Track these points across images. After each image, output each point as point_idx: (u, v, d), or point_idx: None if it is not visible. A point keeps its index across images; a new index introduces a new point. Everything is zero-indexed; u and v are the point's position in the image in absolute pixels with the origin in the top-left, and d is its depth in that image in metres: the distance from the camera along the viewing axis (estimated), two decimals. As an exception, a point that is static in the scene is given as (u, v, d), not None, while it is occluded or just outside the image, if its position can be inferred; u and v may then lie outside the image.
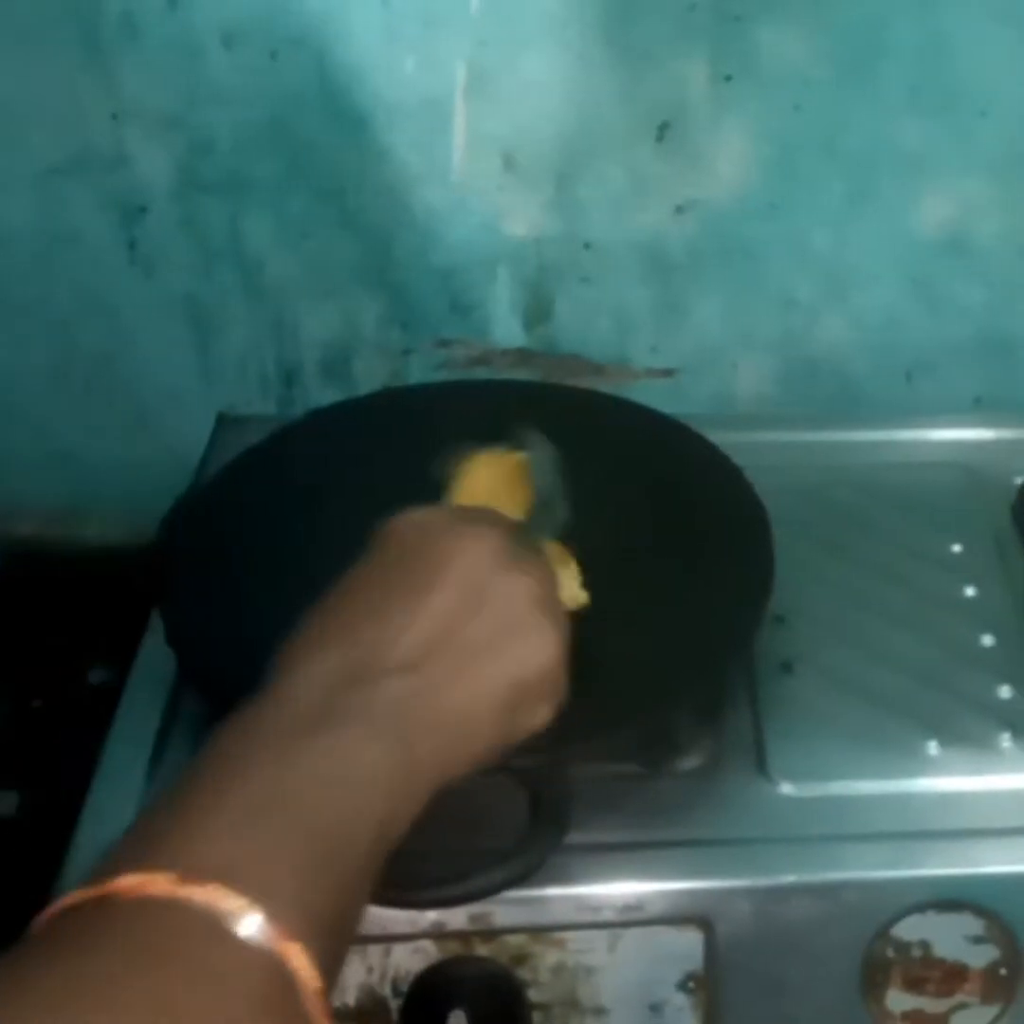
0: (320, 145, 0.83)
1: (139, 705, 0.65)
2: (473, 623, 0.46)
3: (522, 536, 0.51)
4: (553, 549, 0.65)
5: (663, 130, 0.82)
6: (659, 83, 0.81)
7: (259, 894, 0.35)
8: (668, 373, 0.92)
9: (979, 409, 0.89)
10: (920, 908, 0.55)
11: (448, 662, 0.45)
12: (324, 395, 0.91)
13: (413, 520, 0.50)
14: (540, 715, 0.47)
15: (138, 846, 0.37)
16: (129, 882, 0.35)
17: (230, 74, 0.80)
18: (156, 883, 0.35)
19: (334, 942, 0.37)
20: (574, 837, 0.53)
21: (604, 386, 0.91)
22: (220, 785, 0.39)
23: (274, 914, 0.35)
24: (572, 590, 0.64)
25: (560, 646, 0.48)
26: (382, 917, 0.51)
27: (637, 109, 0.82)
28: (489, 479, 0.65)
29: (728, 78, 0.80)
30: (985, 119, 0.81)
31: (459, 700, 0.45)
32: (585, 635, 0.61)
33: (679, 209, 0.85)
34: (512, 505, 0.63)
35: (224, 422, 0.85)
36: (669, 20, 0.78)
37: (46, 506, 0.96)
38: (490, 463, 0.66)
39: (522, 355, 0.91)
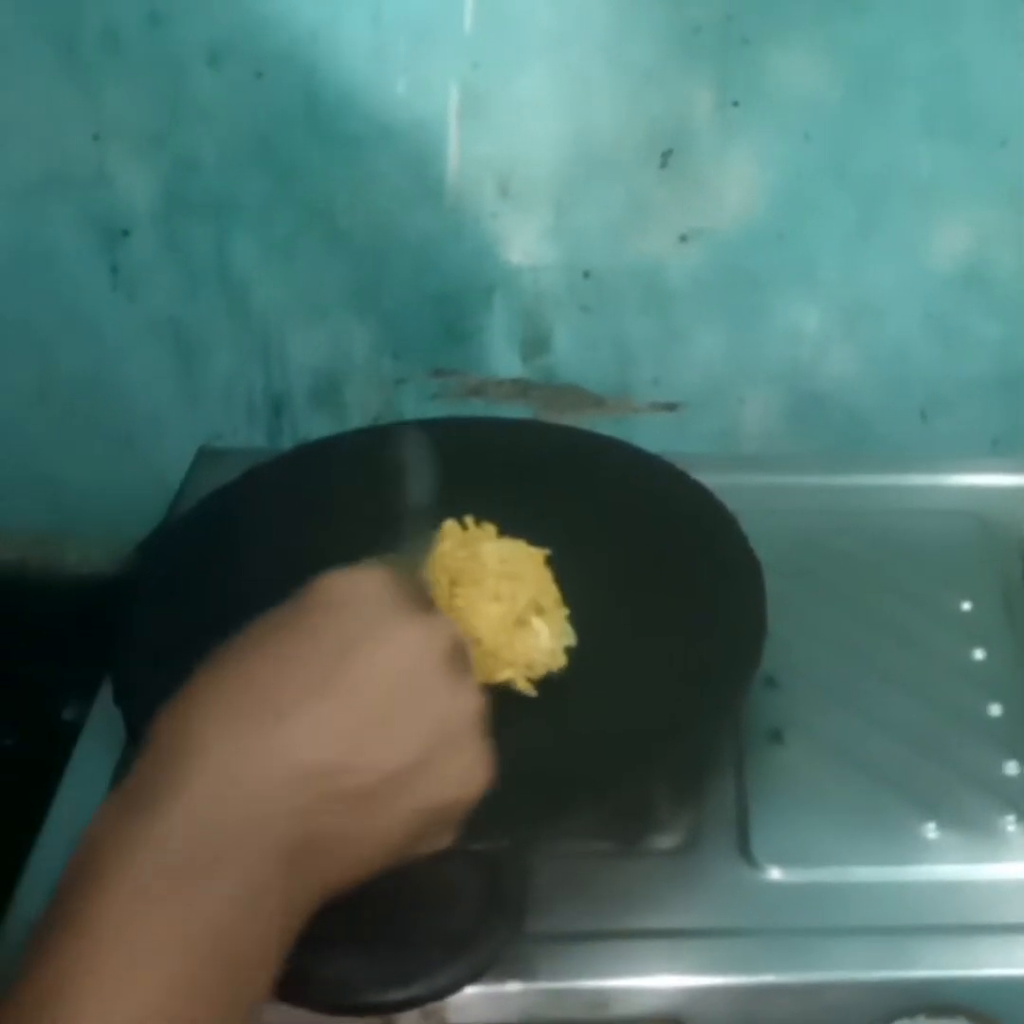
0: (309, 166, 0.80)
1: (93, 755, 0.62)
2: (401, 732, 0.41)
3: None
4: (548, 597, 0.62)
5: (666, 156, 0.79)
6: (662, 107, 0.77)
7: None
8: (671, 407, 0.88)
9: (994, 453, 0.85)
10: (910, 1012, 0.51)
11: (361, 774, 0.40)
12: (314, 424, 0.88)
13: (353, 587, 0.44)
14: (442, 841, 0.43)
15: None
16: None
17: (215, 92, 0.77)
18: None
19: None
20: (535, 925, 0.49)
21: (605, 419, 0.88)
22: (89, 941, 0.35)
23: None
24: (556, 649, 0.61)
25: (489, 773, 0.43)
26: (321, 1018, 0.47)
27: (639, 134, 0.78)
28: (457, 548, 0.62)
29: (735, 103, 0.77)
30: (1004, 147, 0.77)
31: (363, 822, 0.40)
32: (556, 697, 0.58)
33: (683, 237, 0.81)
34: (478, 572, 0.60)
35: (204, 455, 0.81)
36: (673, 42, 0.75)
37: (27, 531, 0.94)
38: (456, 533, 0.64)
39: (519, 386, 0.88)
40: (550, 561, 0.64)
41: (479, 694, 0.44)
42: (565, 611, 0.62)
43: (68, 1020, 0.34)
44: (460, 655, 0.44)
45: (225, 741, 0.39)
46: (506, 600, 0.59)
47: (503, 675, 0.58)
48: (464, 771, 0.42)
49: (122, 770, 0.60)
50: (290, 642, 0.42)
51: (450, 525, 0.65)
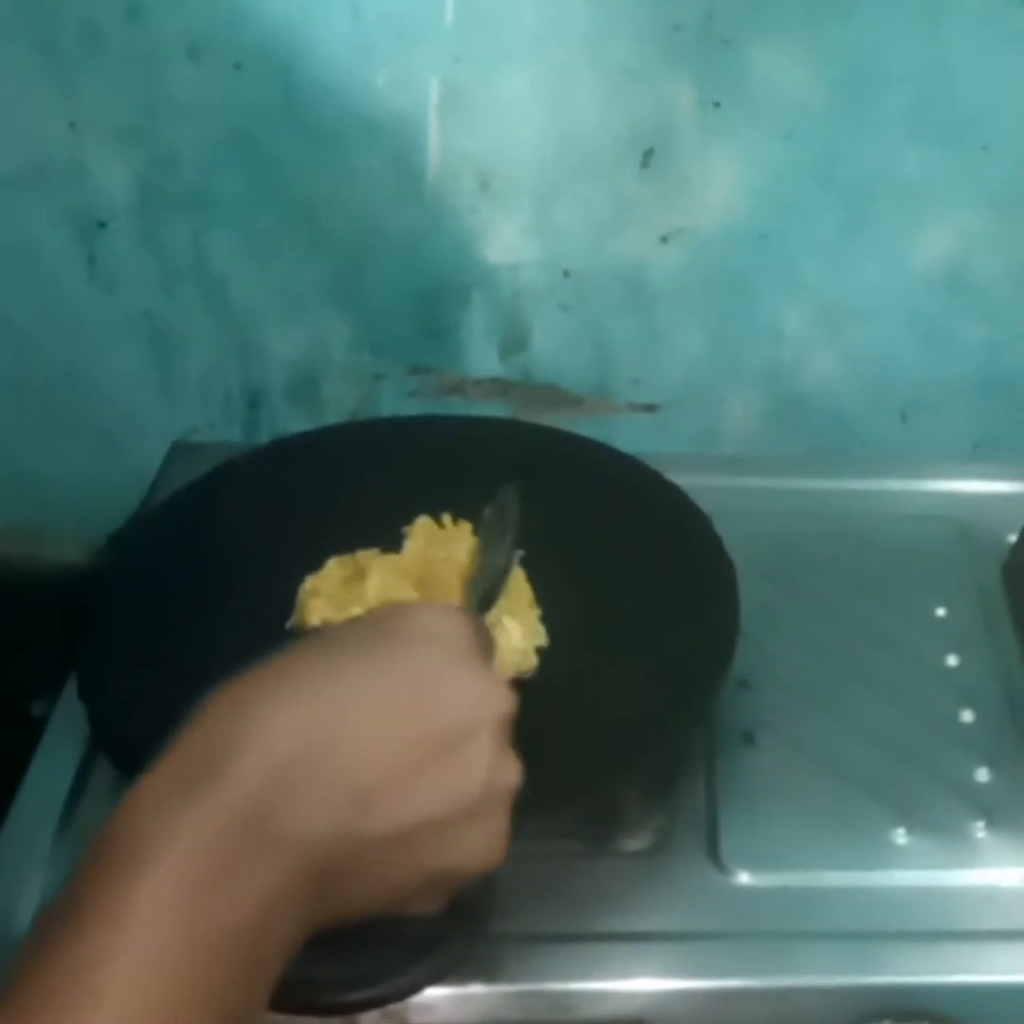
0: (287, 161, 0.79)
1: (58, 750, 0.61)
2: (444, 784, 0.40)
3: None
4: (521, 598, 0.62)
5: (648, 156, 0.78)
6: (644, 106, 0.77)
7: None
8: (651, 407, 0.88)
9: (975, 458, 0.85)
10: (877, 1017, 0.51)
11: (399, 814, 0.39)
12: (291, 419, 0.88)
13: (433, 625, 0.43)
14: (430, 906, 0.43)
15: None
16: None
17: (194, 86, 0.77)
18: None
19: None
20: (500, 925, 0.48)
21: (584, 419, 0.87)
22: (114, 937, 0.34)
23: None
24: (527, 650, 0.60)
25: (504, 852, 0.43)
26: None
27: (620, 133, 0.77)
28: (430, 546, 0.62)
29: (717, 104, 0.76)
30: (988, 151, 0.77)
31: (384, 863, 0.40)
32: (527, 697, 0.58)
33: (664, 237, 0.81)
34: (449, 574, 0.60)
35: (179, 449, 0.81)
36: (654, 41, 0.74)
37: (2, 525, 0.93)
38: (431, 530, 0.63)
39: (497, 385, 0.87)
40: (523, 561, 0.64)
41: (519, 770, 0.43)
42: (537, 612, 0.62)
43: (82, 1013, 0.33)
44: (509, 725, 0.43)
45: (281, 741, 0.38)
46: None
47: None
48: (484, 842, 0.42)
49: (86, 767, 0.59)
50: (363, 661, 0.42)
51: (424, 521, 0.65)
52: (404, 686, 0.41)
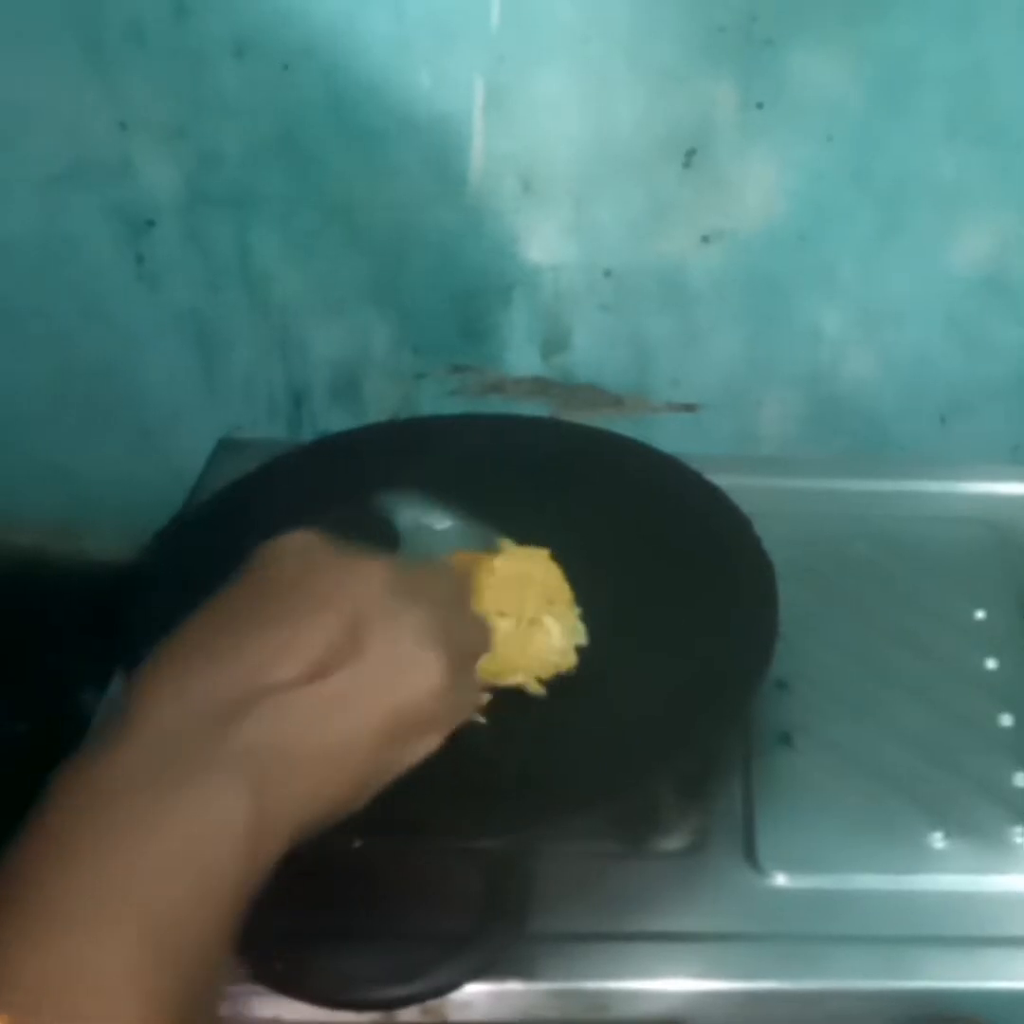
0: (330, 160, 0.80)
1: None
2: (351, 659, 0.43)
3: (410, 564, 0.48)
4: (561, 596, 0.62)
5: (690, 156, 0.78)
6: (685, 107, 0.77)
7: None
8: (690, 407, 0.88)
9: (1014, 461, 0.85)
10: (912, 1021, 0.51)
11: (320, 696, 0.42)
12: (333, 417, 0.89)
13: (292, 546, 0.47)
14: (425, 745, 0.45)
15: None
16: None
17: (239, 85, 0.77)
18: None
19: None
20: (538, 924, 0.49)
21: (622, 419, 0.87)
22: (53, 874, 0.36)
23: None
24: (567, 648, 0.61)
25: (440, 675, 0.45)
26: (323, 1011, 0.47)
27: (661, 133, 0.78)
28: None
29: (759, 105, 0.76)
30: (1028, 152, 0.76)
31: (328, 735, 0.42)
32: (566, 697, 0.58)
33: (704, 238, 0.81)
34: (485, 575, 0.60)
35: (224, 446, 0.82)
36: (697, 42, 0.74)
37: (46, 520, 0.94)
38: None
39: (538, 384, 0.87)
40: (558, 559, 0.64)
41: (420, 609, 0.45)
42: (577, 611, 0.62)
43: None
44: (401, 581, 0.45)
45: (171, 691, 0.41)
46: (512, 611, 0.59)
47: (515, 679, 0.58)
48: (404, 663, 0.44)
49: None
50: (226, 603, 0.45)
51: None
52: (262, 596, 0.44)
